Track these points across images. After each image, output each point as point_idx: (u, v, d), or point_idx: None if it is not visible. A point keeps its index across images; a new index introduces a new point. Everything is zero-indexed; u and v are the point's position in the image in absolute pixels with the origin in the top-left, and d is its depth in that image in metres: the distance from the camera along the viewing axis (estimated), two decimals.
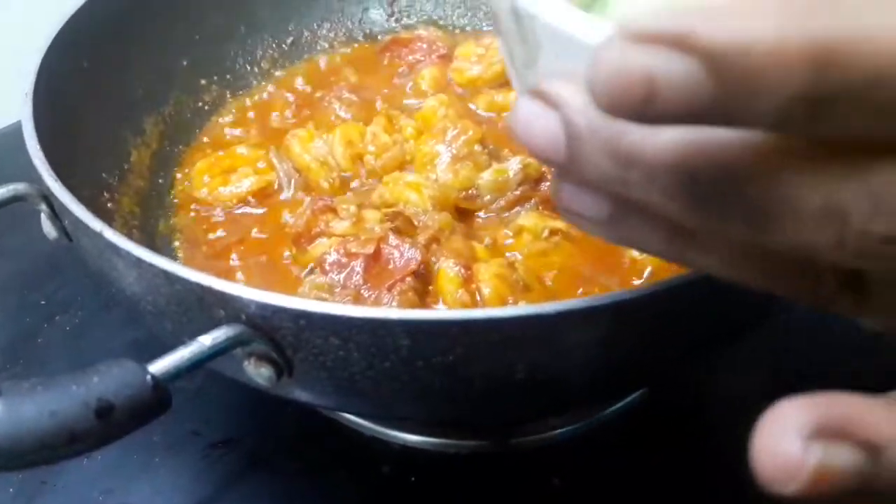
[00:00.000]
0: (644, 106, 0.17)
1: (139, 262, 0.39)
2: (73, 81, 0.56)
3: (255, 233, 0.59)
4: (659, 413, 0.57)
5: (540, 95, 0.22)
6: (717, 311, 0.40)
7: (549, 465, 0.55)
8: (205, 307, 0.38)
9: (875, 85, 0.16)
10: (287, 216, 0.60)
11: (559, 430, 0.57)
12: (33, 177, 0.45)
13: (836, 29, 0.16)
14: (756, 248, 0.22)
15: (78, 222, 0.41)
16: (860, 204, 0.19)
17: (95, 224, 0.40)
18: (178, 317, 0.40)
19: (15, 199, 0.44)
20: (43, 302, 0.68)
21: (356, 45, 0.78)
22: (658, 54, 0.17)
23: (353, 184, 0.63)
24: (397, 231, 0.55)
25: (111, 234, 0.40)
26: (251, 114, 0.70)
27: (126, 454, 0.55)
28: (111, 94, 0.60)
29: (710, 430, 0.57)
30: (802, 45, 0.16)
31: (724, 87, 0.16)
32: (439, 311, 0.35)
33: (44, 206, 0.45)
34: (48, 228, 0.46)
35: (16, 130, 0.47)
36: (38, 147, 0.45)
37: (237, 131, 0.68)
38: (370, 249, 0.53)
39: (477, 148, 0.61)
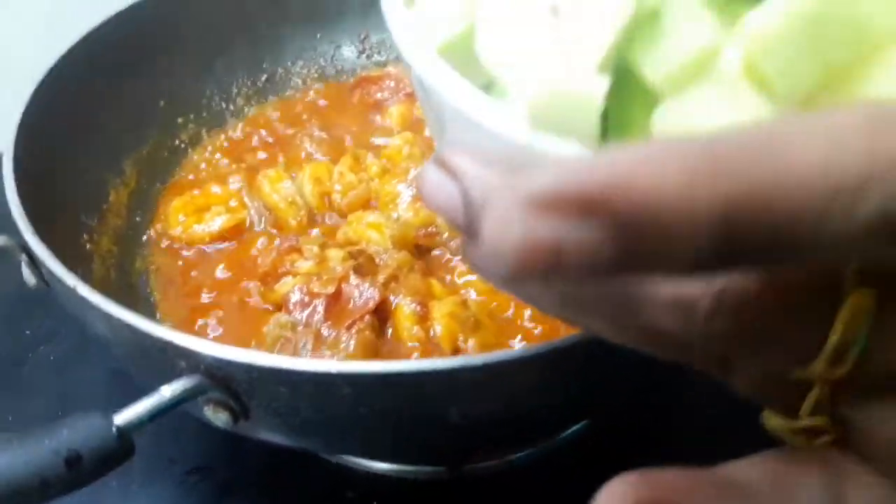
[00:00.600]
0: (548, 271, 0.17)
1: (109, 316, 0.43)
2: (54, 130, 0.59)
3: (226, 271, 0.63)
4: (616, 434, 0.61)
5: (443, 165, 0.23)
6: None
7: (507, 490, 0.59)
8: (167, 358, 0.42)
9: (775, 243, 0.17)
10: (256, 253, 0.64)
11: (516, 456, 0.61)
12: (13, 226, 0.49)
13: (735, 190, 0.16)
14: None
15: (53, 277, 0.45)
16: (705, 301, 0.22)
17: (70, 279, 0.44)
18: (144, 364, 0.44)
19: None
20: (28, 332, 0.72)
21: (328, 82, 0.82)
22: (564, 223, 0.17)
23: (322, 219, 0.67)
24: (358, 270, 0.59)
25: (84, 290, 0.44)
26: (225, 156, 0.73)
27: (105, 480, 0.59)
28: (91, 139, 0.64)
29: (666, 447, 0.60)
30: (705, 216, 0.16)
31: (630, 250, 0.17)
32: (374, 364, 0.38)
33: (24, 256, 0.49)
34: (28, 276, 0.50)
35: None
36: (19, 202, 0.49)
37: (212, 169, 0.72)
38: (331, 289, 0.57)
39: None
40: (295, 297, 0.57)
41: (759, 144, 0.17)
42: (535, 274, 0.17)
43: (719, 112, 0.21)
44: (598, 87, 0.21)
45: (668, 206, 0.16)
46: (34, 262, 0.49)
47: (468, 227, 0.21)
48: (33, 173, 0.55)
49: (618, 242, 0.16)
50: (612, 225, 0.16)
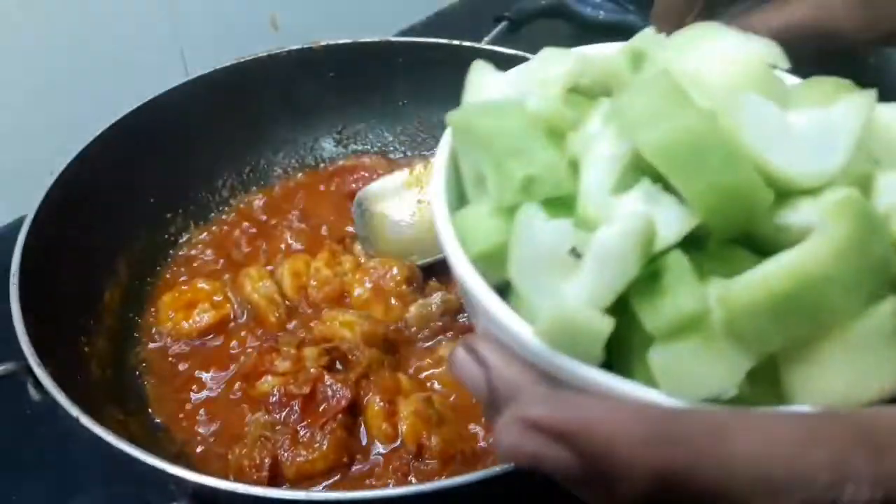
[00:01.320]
0: (531, 468, 0.25)
1: (110, 445, 0.49)
2: (54, 244, 0.66)
3: (212, 366, 0.69)
4: None
5: (473, 352, 0.29)
6: None
7: None
8: (160, 481, 0.48)
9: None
10: (239, 351, 0.70)
11: None
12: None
13: (672, 460, 0.23)
14: None
15: (59, 406, 0.51)
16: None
17: (73, 410, 0.51)
18: (140, 481, 0.51)
19: (5, 376, 0.55)
20: (28, 412, 0.78)
21: (308, 171, 0.88)
22: (545, 442, 0.24)
23: (300, 309, 0.73)
24: (332, 366, 0.66)
25: (87, 421, 0.50)
26: (211, 250, 0.80)
27: None
28: (87, 243, 0.70)
29: None
30: (645, 469, 0.23)
31: (588, 472, 0.24)
32: (336, 494, 0.45)
33: (30, 379, 0.55)
34: (34, 393, 0.56)
35: None
36: (24, 329, 0.56)
37: (199, 265, 0.78)
38: (307, 390, 0.63)
39: (403, 288, 0.71)
40: (274, 398, 0.63)
41: (708, 428, 0.23)
42: (521, 467, 0.25)
43: (704, 358, 0.26)
44: (605, 325, 0.26)
45: (619, 452, 0.23)
46: (39, 383, 0.55)
47: (490, 406, 0.29)
48: (36, 287, 0.61)
49: (580, 464, 0.24)
50: (577, 452, 0.24)
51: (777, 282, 0.25)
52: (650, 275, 0.27)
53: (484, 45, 0.85)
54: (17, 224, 0.89)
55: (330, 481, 0.60)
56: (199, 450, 0.64)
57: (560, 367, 0.27)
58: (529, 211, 0.29)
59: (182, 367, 0.70)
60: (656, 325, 0.26)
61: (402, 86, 0.87)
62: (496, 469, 0.46)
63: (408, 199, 0.78)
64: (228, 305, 0.73)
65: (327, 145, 0.89)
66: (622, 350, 0.28)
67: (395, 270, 0.71)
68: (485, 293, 0.29)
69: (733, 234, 0.28)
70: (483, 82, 0.37)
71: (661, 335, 0.26)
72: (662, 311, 0.26)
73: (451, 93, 0.83)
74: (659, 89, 0.28)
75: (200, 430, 0.66)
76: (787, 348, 0.26)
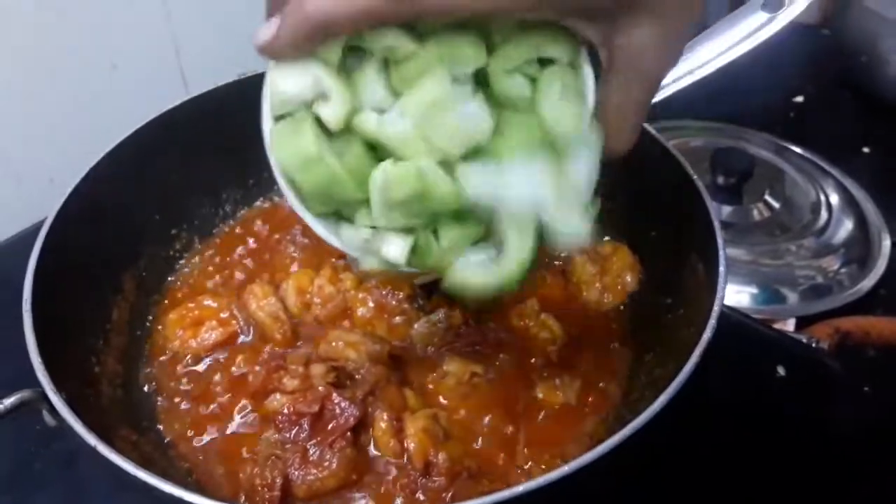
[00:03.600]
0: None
1: (128, 473, 0.51)
2: (62, 267, 0.67)
3: (221, 385, 0.71)
4: None
5: None
6: None
7: None
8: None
9: None
10: (245, 365, 0.71)
11: None
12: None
13: None
14: None
15: (76, 435, 0.53)
16: None
17: (90, 438, 0.52)
18: (150, 496, 0.53)
19: (22, 405, 0.56)
20: (38, 427, 0.79)
21: None
22: None
23: (305, 324, 0.75)
24: (339, 384, 0.67)
25: (105, 450, 0.52)
26: (215, 269, 0.81)
27: None
28: (94, 263, 0.71)
29: None
30: None
31: None
32: None
33: (45, 405, 0.57)
34: (49, 420, 0.58)
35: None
36: (39, 357, 0.57)
37: (203, 281, 0.80)
38: (315, 408, 0.65)
39: (406, 306, 0.73)
40: (283, 416, 0.65)
41: None
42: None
43: None
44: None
45: None
46: (54, 409, 0.57)
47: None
48: (47, 311, 0.63)
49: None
50: None
51: None
52: None
53: None
54: (17, 240, 0.92)
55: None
56: (207, 467, 0.66)
57: None
58: None
59: (191, 385, 0.71)
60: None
61: None
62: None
63: None
64: (235, 322, 0.75)
65: None
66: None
67: (400, 293, 0.73)
68: None
69: None
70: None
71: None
72: None
73: None
74: None
75: (209, 446, 0.67)
76: None
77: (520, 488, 0.47)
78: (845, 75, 1.30)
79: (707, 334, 0.57)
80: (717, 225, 0.64)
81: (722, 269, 0.61)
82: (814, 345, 0.83)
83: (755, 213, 1.09)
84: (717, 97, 1.07)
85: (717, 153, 1.08)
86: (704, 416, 0.69)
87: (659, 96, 0.69)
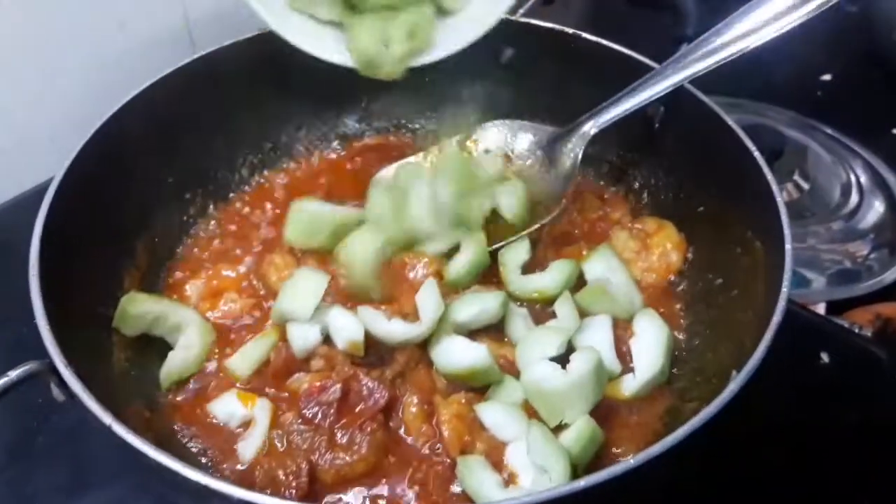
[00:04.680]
0: None
1: (145, 455, 0.45)
2: (71, 230, 0.61)
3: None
4: None
5: None
6: None
7: None
8: (199, 495, 0.45)
9: None
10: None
11: None
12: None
13: None
14: None
15: (88, 411, 0.47)
16: None
17: (106, 418, 0.47)
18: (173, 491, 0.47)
19: (30, 376, 0.51)
20: (40, 400, 0.74)
21: (331, 148, 0.84)
22: None
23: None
24: (366, 364, 0.62)
25: (120, 429, 0.46)
26: (231, 236, 0.75)
27: None
28: (105, 228, 0.66)
29: None
30: None
31: None
32: None
33: (54, 378, 0.51)
34: (57, 394, 0.52)
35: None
36: (48, 324, 0.52)
37: (218, 246, 0.74)
38: (338, 393, 0.59)
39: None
40: (308, 398, 0.59)
41: None
42: None
43: None
44: None
45: None
46: (63, 382, 0.51)
47: None
48: (55, 276, 0.57)
49: None
50: None
51: None
52: None
53: (518, 18, 0.81)
54: (18, 202, 0.86)
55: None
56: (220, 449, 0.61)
57: None
58: None
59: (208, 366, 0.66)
60: None
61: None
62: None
63: None
64: (255, 294, 0.69)
65: (350, 122, 0.85)
66: None
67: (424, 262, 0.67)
68: None
69: None
70: None
71: None
72: None
73: (483, 68, 0.80)
74: None
75: (225, 427, 0.62)
76: None
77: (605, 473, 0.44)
78: (874, 53, 1.25)
79: (777, 317, 0.52)
80: (779, 199, 0.59)
81: (788, 246, 0.56)
82: (857, 331, 0.78)
83: (784, 194, 1.04)
84: (744, 74, 1.01)
85: (746, 131, 1.03)
86: (751, 405, 0.65)
87: (706, 64, 0.64)
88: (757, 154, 0.63)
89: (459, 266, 0.66)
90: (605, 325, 0.64)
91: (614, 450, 0.59)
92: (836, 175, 1.08)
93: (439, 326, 0.62)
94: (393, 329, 0.62)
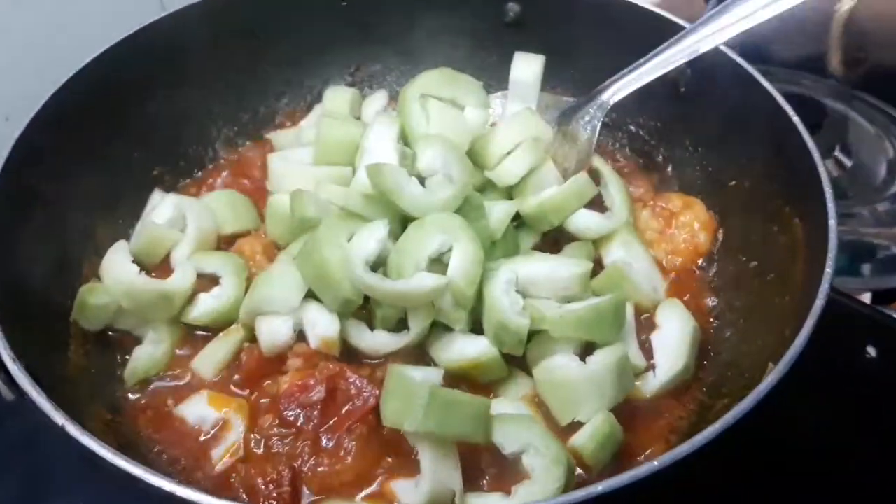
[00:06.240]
0: None
1: (106, 461, 0.44)
2: (23, 207, 0.60)
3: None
4: None
5: None
6: None
7: None
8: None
9: None
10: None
11: None
12: None
13: None
14: None
15: (40, 412, 0.46)
16: None
17: (58, 417, 0.46)
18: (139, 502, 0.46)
19: None
20: None
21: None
22: None
23: None
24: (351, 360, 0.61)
25: (75, 430, 0.45)
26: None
27: None
28: (60, 206, 0.64)
29: None
30: None
31: None
32: None
33: (1, 374, 0.50)
34: (6, 392, 0.51)
35: None
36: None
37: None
38: (322, 393, 0.58)
39: None
40: (289, 399, 0.58)
41: None
42: None
43: None
44: None
45: None
46: (12, 379, 0.50)
47: None
48: (3, 264, 0.56)
49: None
50: None
51: None
52: None
53: None
54: None
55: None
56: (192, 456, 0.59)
57: None
58: None
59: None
60: None
61: (429, 17, 0.80)
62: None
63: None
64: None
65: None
66: None
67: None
68: None
69: None
70: None
71: None
72: None
73: (486, 27, 0.78)
74: None
75: (197, 431, 0.60)
76: None
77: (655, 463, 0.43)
78: None
79: (820, 301, 0.51)
80: (822, 168, 0.57)
81: (832, 221, 0.54)
82: None
83: None
84: (778, 41, 1.01)
85: None
86: (788, 402, 0.63)
87: (736, 31, 0.63)
88: (796, 119, 0.61)
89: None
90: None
91: (635, 452, 0.57)
92: (881, 150, 1.06)
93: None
94: (378, 341, 0.61)
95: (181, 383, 0.63)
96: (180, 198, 0.71)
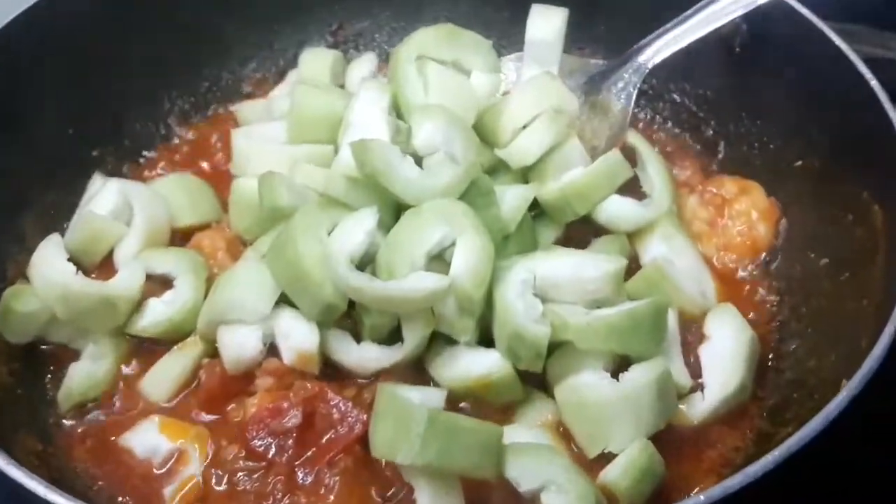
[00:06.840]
0: None
1: (35, 495, 0.45)
2: None
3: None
4: None
5: None
6: None
7: None
8: None
9: None
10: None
11: None
12: None
13: None
14: None
15: None
16: None
17: None
18: None
19: None
20: None
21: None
22: None
23: None
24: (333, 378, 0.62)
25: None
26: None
27: None
28: None
29: None
30: None
31: None
32: None
33: None
34: None
35: None
36: None
37: None
38: (298, 419, 0.59)
39: None
40: (258, 426, 0.59)
41: None
42: None
43: None
44: None
45: None
46: None
47: None
48: None
49: None
50: None
51: None
52: None
53: None
54: None
55: None
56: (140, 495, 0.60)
57: None
58: None
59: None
60: None
61: None
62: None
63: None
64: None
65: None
66: None
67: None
68: None
69: None
70: None
71: None
72: None
73: None
74: None
75: (146, 465, 0.61)
76: None
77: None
78: None
79: None
80: None
81: None
82: None
83: None
84: None
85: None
86: (865, 425, 0.64)
87: None
88: (877, 86, 0.62)
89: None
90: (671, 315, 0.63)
91: (679, 489, 0.58)
92: None
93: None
94: (365, 356, 0.62)
95: (127, 407, 0.64)
96: (125, 183, 0.72)
